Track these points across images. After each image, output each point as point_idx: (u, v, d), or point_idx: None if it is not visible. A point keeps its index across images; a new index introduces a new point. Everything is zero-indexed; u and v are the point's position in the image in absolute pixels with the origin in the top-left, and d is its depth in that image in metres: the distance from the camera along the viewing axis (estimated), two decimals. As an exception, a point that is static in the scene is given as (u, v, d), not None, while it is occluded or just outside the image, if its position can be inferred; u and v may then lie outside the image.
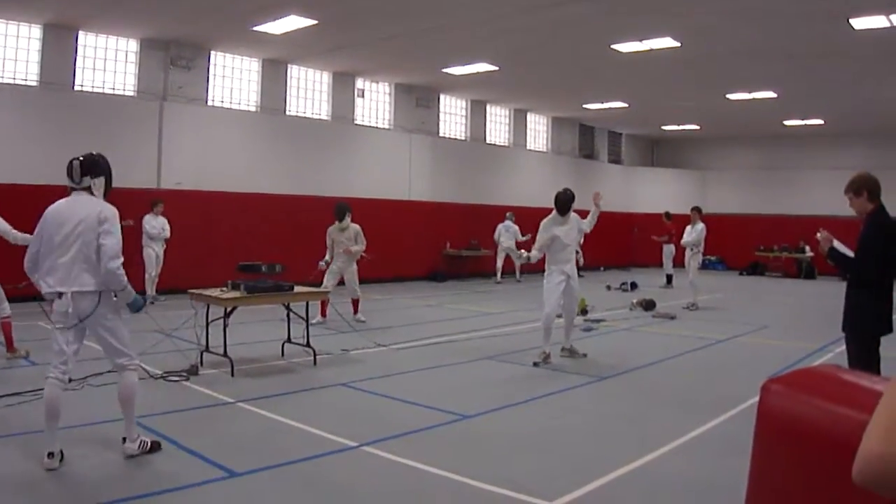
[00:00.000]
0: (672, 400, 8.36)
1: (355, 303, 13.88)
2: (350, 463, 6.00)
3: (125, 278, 5.83)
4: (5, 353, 9.57)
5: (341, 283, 13.61)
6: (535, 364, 10.02)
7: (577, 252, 10.99)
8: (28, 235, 10.05)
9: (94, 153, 5.98)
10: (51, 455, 5.46)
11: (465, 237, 24.36)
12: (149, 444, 5.97)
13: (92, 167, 5.85)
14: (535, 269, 10.94)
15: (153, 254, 15.58)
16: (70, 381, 5.97)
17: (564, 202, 10.36)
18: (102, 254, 5.66)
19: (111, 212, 5.81)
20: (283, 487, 5.41)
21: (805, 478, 2.22)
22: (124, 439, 5.90)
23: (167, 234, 15.84)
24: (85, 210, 5.71)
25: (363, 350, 10.85)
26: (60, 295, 5.62)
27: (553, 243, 10.32)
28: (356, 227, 13.63)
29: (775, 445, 2.34)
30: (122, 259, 5.75)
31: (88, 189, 5.85)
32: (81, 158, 5.85)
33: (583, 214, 10.55)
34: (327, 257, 13.47)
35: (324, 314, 13.31)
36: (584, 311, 15.12)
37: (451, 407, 7.68)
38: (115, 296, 5.86)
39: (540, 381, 9.19)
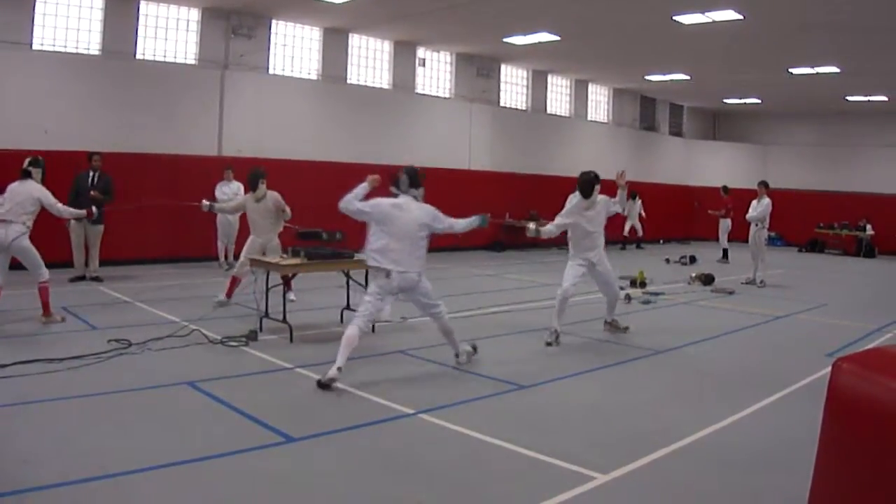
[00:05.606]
0: (729, 375, 8.29)
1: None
2: (406, 430, 6.07)
3: (463, 223, 8.03)
4: (41, 316, 9.50)
5: None
6: (548, 344, 9.41)
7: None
8: (72, 210, 10.28)
9: (415, 168, 7.89)
10: (339, 369, 7.00)
11: (524, 208, 24.05)
12: (471, 348, 8.29)
13: (417, 182, 7.74)
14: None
15: (225, 220, 15.31)
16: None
17: (586, 183, 9.67)
18: (448, 228, 7.91)
19: (433, 211, 7.75)
20: (339, 453, 5.49)
21: (875, 456, 2.19)
22: (456, 355, 8.13)
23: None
24: (415, 213, 7.59)
25: (422, 318, 10.84)
26: (388, 274, 7.41)
27: (575, 230, 9.73)
28: (275, 194, 11.24)
29: (845, 423, 2.30)
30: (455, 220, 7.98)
31: (414, 197, 7.68)
32: (407, 174, 7.71)
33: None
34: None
35: (230, 294, 11.23)
36: (642, 284, 15.03)
37: (507, 377, 7.72)
38: None
39: (597, 354, 9.18)
